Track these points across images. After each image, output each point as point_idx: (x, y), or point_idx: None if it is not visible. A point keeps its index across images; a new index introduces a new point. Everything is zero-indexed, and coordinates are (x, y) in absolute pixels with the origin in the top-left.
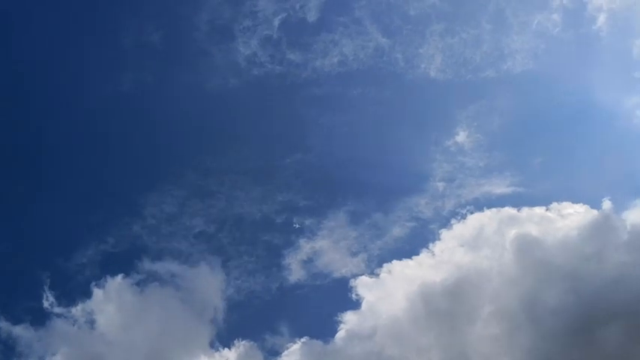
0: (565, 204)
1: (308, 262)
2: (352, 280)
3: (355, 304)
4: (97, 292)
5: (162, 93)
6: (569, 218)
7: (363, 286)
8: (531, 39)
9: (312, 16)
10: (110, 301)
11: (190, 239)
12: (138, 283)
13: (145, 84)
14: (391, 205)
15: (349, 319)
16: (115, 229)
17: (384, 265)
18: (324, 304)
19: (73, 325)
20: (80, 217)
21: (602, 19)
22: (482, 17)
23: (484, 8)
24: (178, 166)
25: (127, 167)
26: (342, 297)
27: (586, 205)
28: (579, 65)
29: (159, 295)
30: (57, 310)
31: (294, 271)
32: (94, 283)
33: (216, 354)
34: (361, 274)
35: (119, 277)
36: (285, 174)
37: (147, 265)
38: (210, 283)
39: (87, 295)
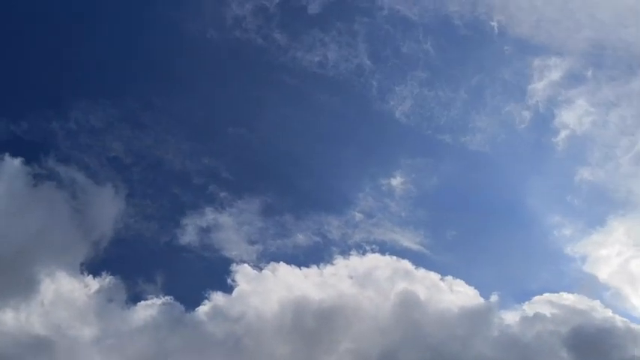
0: (459, 281)
1: (205, 231)
2: (236, 264)
3: (228, 289)
4: None
5: (139, 18)
6: (456, 295)
7: (244, 275)
8: (496, 124)
9: (313, 9)
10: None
11: (103, 160)
12: (35, 176)
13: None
14: (306, 213)
15: (216, 299)
16: (34, 117)
17: (272, 263)
18: (200, 276)
19: None
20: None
21: (562, 135)
22: (463, 85)
23: (468, 78)
24: (122, 85)
25: (73, 64)
26: (221, 277)
27: (477, 291)
28: (526, 167)
29: (51, 196)
30: None
31: (189, 233)
32: None
33: (81, 277)
34: (246, 263)
35: (18, 162)
36: (222, 141)
37: (51, 162)
38: (107, 208)
39: None
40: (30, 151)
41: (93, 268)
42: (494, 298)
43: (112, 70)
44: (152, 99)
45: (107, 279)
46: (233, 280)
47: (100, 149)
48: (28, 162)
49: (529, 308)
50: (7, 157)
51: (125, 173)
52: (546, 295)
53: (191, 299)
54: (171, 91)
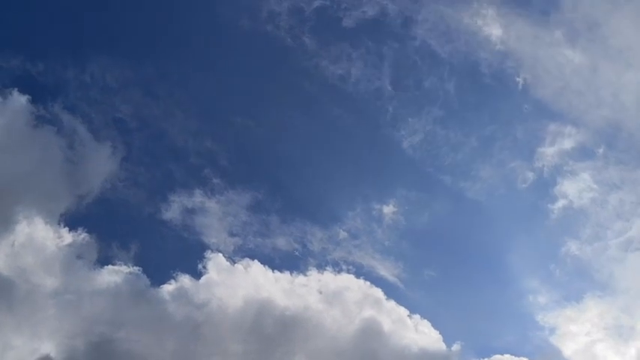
0: (426, 322)
1: (190, 212)
2: (211, 252)
3: (197, 274)
4: None
5: None
6: (420, 335)
7: (216, 264)
8: (498, 178)
9: (347, 22)
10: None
11: (108, 119)
12: (38, 117)
13: None
14: (292, 219)
15: (183, 281)
16: (51, 60)
17: (247, 259)
18: (173, 254)
19: None
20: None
21: (559, 204)
22: (475, 131)
23: (482, 126)
24: (144, 51)
25: (103, 20)
26: (193, 261)
27: (441, 336)
28: (517, 226)
29: (49, 140)
30: None
31: (173, 210)
32: None
33: (57, 227)
34: (222, 253)
35: (24, 99)
36: (228, 128)
37: (57, 108)
38: (100, 166)
39: None
40: (39, 92)
41: (71, 221)
42: (456, 347)
43: (138, 34)
44: (170, 71)
45: (82, 235)
46: (204, 267)
47: (107, 107)
48: (34, 102)
49: None
50: (15, 92)
51: (126, 136)
52: (507, 356)
53: (158, 275)
54: (191, 68)
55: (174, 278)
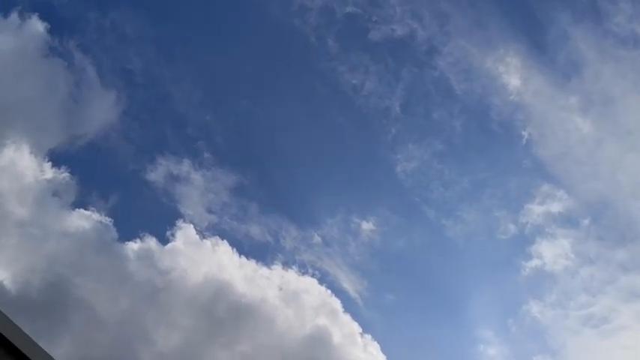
0: (375, 344)
1: (173, 179)
2: (183, 222)
3: (164, 240)
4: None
5: None
6: (367, 355)
7: (185, 235)
8: (480, 224)
9: (374, 36)
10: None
11: (118, 68)
12: (52, 48)
13: None
14: (272, 211)
15: (149, 243)
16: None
17: (217, 238)
18: (146, 215)
19: None
20: None
21: (532, 263)
22: (469, 174)
23: (477, 170)
24: (170, 13)
25: None
26: (163, 227)
27: None
28: (486, 275)
29: (57, 73)
30: None
31: (157, 173)
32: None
33: (41, 160)
34: (194, 226)
35: (43, 26)
36: (233, 109)
37: (72, 44)
38: (100, 112)
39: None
40: (59, 23)
41: (57, 158)
42: None
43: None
44: (189, 38)
45: (64, 174)
46: (172, 235)
47: (121, 57)
48: (51, 31)
49: None
50: (34, 17)
51: (132, 90)
52: None
53: (127, 231)
54: (210, 40)
55: (140, 238)
